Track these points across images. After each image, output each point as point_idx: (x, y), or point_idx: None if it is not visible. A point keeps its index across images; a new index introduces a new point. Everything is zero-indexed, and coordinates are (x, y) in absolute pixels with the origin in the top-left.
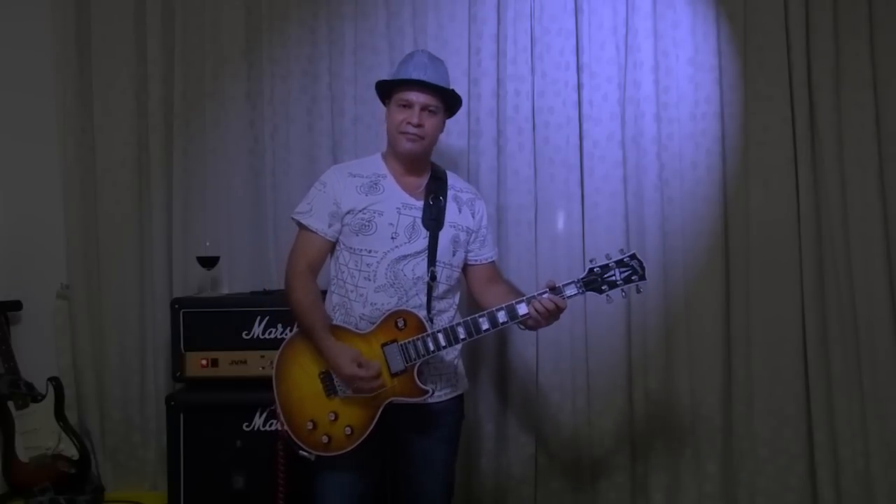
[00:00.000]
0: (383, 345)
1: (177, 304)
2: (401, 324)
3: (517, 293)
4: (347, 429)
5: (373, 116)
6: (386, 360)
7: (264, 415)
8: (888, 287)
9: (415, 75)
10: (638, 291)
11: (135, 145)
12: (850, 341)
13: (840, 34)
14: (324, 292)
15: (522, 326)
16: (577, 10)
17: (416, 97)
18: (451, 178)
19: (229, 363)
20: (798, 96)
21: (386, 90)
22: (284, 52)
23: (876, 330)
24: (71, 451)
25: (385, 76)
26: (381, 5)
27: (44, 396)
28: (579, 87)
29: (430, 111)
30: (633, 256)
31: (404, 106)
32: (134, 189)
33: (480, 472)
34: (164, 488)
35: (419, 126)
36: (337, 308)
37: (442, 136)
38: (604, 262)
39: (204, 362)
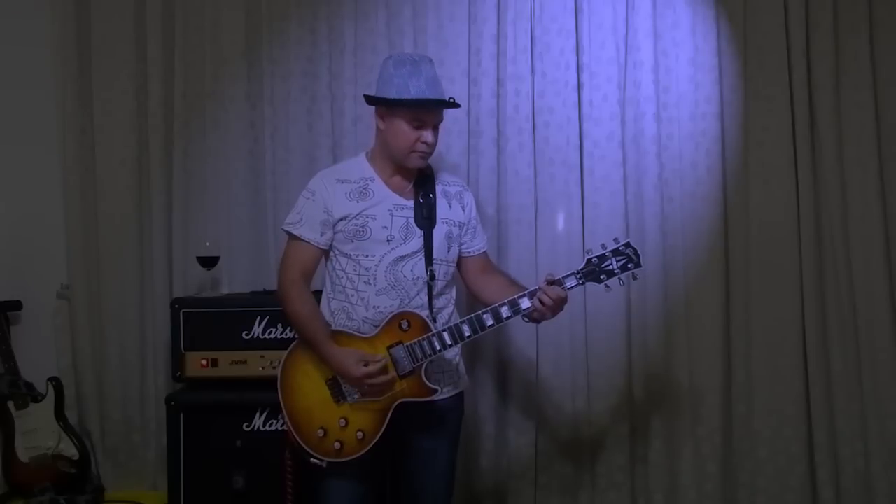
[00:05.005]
0: (389, 347)
1: (177, 304)
2: (405, 325)
3: (514, 283)
4: (359, 433)
5: (373, 117)
6: (393, 363)
7: (264, 415)
8: (888, 287)
9: (431, 94)
10: (634, 278)
11: (135, 145)
12: (850, 341)
13: (840, 34)
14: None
15: (526, 319)
16: (577, 10)
17: (434, 118)
18: (438, 173)
19: (229, 363)
20: (798, 96)
21: (387, 101)
22: (284, 52)
23: (876, 330)
24: (71, 451)
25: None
26: (381, 5)
27: (44, 396)
28: (579, 87)
29: (436, 125)
30: (627, 245)
31: (417, 126)
32: (134, 189)
33: (480, 472)
34: (164, 488)
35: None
36: (337, 313)
37: (442, 136)
38: (600, 253)
39: (204, 362)
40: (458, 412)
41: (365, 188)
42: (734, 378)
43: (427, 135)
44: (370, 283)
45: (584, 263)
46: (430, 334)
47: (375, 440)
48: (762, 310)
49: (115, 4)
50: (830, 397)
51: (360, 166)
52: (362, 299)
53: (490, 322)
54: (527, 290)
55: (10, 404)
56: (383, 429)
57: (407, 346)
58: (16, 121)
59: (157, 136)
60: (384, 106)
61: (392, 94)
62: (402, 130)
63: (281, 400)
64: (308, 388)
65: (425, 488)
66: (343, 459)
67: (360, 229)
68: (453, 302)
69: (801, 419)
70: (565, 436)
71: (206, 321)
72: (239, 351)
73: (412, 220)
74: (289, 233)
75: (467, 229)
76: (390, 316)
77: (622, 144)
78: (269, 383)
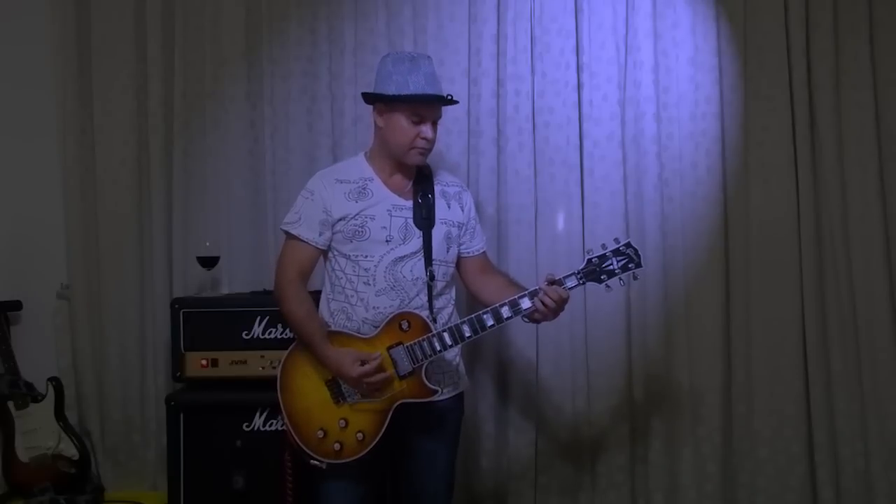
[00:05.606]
0: (389, 348)
1: (177, 304)
2: (405, 326)
3: (514, 284)
4: (359, 434)
5: (372, 115)
6: (393, 363)
7: (264, 415)
8: (888, 287)
9: (430, 90)
10: (635, 278)
11: (135, 145)
12: (850, 341)
13: (840, 34)
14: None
15: (527, 319)
16: (577, 10)
17: (433, 114)
18: (436, 173)
19: (229, 363)
20: (798, 96)
21: (386, 97)
22: (284, 52)
23: (876, 330)
24: (71, 451)
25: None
26: (381, 5)
27: (44, 396)
28: (579, 87)
29: (435, 121)
30: (628, 245)
31: (417, 122)
32: (134, 189)
33: (480, 472)
34: (164, 488)
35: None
36: (337, 314)
37: (442, 136)
38: (601, 253)
39: (204, 362)
40: (458, 413)
41: (364, 188)
42: (734, 378)
43: (426, 130)
44: (369, 284)
45: (584, 263)
46: (430, 335)
47: (375, 441)
48: (762, 310)
49: (115, 4)
50: (830, 397)
51: (358, 166)
52: (362, 300)
53: (490, 322)
54: (527, 290)
55: (10, 404)
56: (383, 430)
57: (407, 347)
58: (16, 121)
59: (157, 136)
60: (383, 103)
61: (391, 90)
62: (402, 126)
63: (280, 401)
64: (308, 388)
65: (425, 489)
66: (343, 461)
67: (359, 230)
68: (453, 302)
69: (801, 419)
70: (565, 436)
71: (206, 321)
72: (239, 351)
73: (411, 221)
74: (287, 232)
75: (466, 230)
76: (390, 316)
77: (622, 144)
78: (268, 383)
